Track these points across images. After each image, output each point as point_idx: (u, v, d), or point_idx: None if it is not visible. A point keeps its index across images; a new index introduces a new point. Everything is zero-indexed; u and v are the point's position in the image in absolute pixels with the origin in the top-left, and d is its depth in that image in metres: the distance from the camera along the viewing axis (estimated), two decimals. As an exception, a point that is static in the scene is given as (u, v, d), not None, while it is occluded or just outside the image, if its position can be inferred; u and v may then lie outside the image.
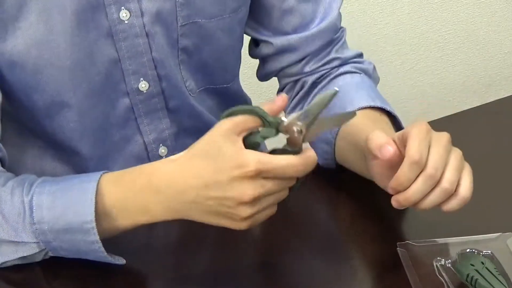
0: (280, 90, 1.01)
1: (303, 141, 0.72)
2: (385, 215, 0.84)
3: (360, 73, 0.97)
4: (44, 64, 0.82)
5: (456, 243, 0.79)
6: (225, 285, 0.77)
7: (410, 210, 0.84)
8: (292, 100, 1.00)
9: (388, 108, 0.92)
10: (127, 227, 0.76)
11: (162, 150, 0.94)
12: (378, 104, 0.91)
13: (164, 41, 0.87)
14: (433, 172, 0.73)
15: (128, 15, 0.84)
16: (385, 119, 0.91)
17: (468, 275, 0.73)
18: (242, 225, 0.72)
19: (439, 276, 0.74)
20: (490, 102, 1.06)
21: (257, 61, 1.02)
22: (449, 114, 1.03)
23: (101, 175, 0.76)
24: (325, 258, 0.81)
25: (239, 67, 1.02)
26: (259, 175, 0.70)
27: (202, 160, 0.71)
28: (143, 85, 0.88)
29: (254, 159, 0.69)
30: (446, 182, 0.74)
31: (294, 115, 0.72)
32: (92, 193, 0.74)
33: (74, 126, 0.87)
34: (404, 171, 0.74)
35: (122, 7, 0.83)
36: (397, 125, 0.93)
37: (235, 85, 1.02)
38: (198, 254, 0.82)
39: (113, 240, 0.77)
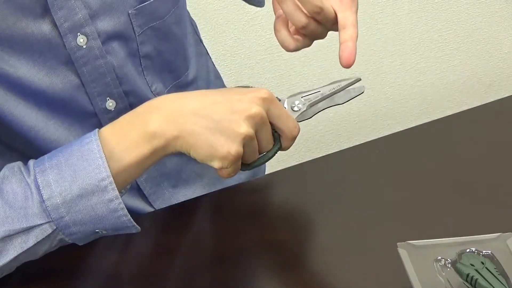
0: None
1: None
2: (385, 215, 0.84)
3: None
4: (11, 98, 0.82)
5: (456, 243, 0.78)
6: None
7: (410, 210, 0.84)
8: None
9: None
10: (134, 164, 0.74)
11: None
12: None
13: (125, 55, 0.87)
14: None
15: (86, 40, 0.82)
16: None
17: (468, 275, 0.73)
18: (232, 149, 0.73)
19: (439, 276, 0.74)
20: (490, 102, 1.06)
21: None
22: (449, 114, 1.03)
23: (98, 131, 0.75)
24: (325, 258, 0.81)
25: (194, 47, 1.03)
26: (268, 101, 0.75)
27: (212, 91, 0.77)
28: (110, 104, 0.87)
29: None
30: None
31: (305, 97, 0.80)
32: (99, 151, 0.72)
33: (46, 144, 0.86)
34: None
35: (78, 33, 0.82)
36: None
37: (195, 66, 1.02)
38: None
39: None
